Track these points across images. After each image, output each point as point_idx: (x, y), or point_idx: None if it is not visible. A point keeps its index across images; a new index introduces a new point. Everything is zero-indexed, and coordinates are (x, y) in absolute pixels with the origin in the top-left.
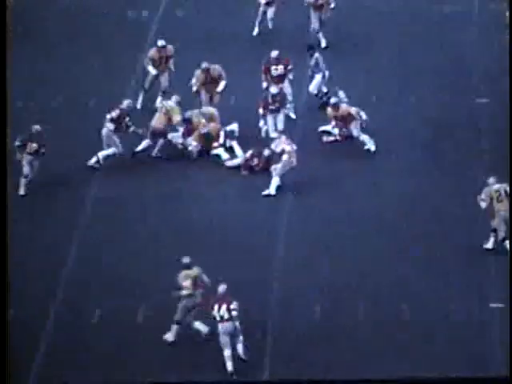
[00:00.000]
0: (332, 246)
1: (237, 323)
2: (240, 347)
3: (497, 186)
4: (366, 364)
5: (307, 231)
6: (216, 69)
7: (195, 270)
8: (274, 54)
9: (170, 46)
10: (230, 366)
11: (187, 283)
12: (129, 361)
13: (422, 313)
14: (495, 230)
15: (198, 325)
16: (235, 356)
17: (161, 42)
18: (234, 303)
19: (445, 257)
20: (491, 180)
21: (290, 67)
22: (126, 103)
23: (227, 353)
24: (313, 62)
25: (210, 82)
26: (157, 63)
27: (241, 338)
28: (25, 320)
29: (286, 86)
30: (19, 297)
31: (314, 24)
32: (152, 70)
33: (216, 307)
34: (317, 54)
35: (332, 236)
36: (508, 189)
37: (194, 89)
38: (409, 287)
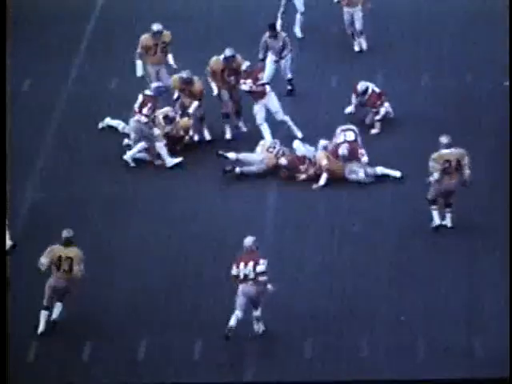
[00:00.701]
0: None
1: (260, 288)
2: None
3: (447, 152)
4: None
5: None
6: (239, 59)
7: (73, 251)
8: (244, 65)
9: (167, 32)
10: (233, 321)
11: (45, 260)
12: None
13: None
14: (435, 201)
15: (56, 308)
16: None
17: (156, 27)
18: (262, 261)
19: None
20: (444, 139)
21: (260, 80)
22: (154, 87)
23: (238, 314)
24: (280, 44)
25: (231, 73)
26: (151, 52)
27: (258, 312)
28: None
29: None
30: None
31: (357, 23)
32: (139, 66)
33: (242, 264)
34: (283, 34)
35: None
36: (461, 162)
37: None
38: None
